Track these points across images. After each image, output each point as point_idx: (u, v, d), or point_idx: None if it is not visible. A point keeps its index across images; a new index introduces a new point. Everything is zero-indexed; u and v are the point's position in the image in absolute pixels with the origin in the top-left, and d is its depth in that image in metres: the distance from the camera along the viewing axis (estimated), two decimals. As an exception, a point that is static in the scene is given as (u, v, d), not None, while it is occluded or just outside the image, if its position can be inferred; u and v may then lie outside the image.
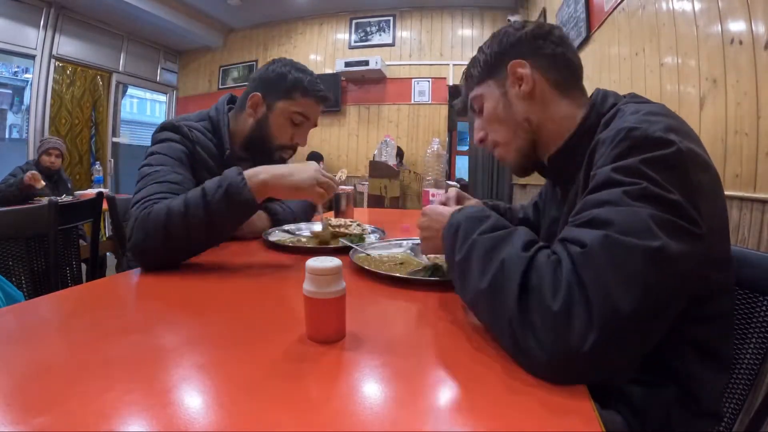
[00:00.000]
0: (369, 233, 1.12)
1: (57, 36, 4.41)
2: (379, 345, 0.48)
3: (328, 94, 1.07)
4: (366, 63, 4.80)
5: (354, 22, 5.25)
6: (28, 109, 4.30)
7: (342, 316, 0.48)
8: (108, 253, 2.55)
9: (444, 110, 4.94)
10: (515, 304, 0.42)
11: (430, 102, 5.04)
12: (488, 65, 0.71)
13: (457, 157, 5.24)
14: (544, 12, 3.81)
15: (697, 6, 1.59)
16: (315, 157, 4.66)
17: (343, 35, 5.30)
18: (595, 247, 0.42)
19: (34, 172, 2.57)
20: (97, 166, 3.24)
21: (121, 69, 5.21)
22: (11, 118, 4.41)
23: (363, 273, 0.76)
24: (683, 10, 1.69)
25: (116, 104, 5.22)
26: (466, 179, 5.13)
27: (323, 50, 5.38)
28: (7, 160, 3.31)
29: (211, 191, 0.75)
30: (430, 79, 5.02)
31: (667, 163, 0.46)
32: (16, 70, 4.38)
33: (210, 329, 0.52)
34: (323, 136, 5.31)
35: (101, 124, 4.98)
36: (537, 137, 0.70)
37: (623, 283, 0.39)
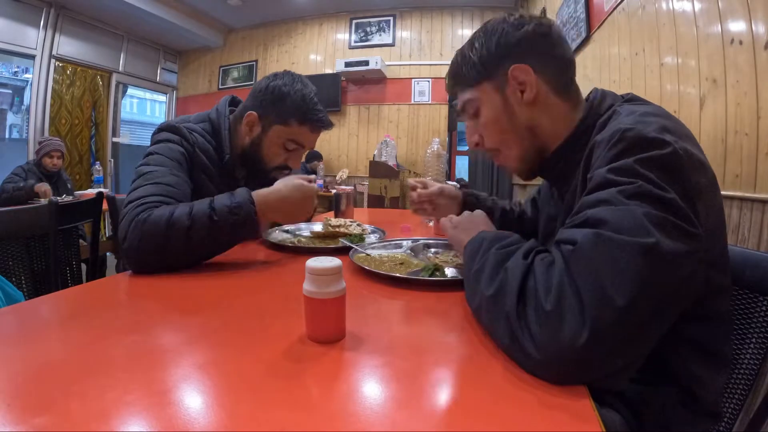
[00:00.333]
0: (369, 233, 1.12)
1: (57, 36, 4.41)
2: (379, 345, 0.48)
3: (327, 120, 1.02)
4: (366, 63, 4.79)
5: (354, 22, 5.25)
6: (28, 109, 4.30)
7: (342, 316, 0.48)
8: (108, 253, 2.55)
9: (444, 110, 4.94)
10: (513, 307, 0.43)
11: (430, 102, 5.04)
12: (484, 66, 0.66)
13: (457, 157, 5.23)
14: (544, 11, 3.81)
15: (697, 6, 1.59)
16: (314, 156, 4.66)
17: (343, 35, 5.30)
18: (586, 244, 0.42)
19: (47, 187, 2.64)
20: (97, 166, 3.24)
21: (121, 69, 5.21)
22: (11, 118, 4.40)
23: (363, 273, 0.76)
24: (683, 10, 1.69)
25: (116, 104, 5.22)
26: (466, 179, 5.13)
27: (323, 50, 5.38)
28: (7, 160, 3.31)
29: (222, 213, 0.76)
30: (430, 79, 5.02)
31: (662, 162, 0.46)
32: (16, 70, 4.38)
33: (210, 329, 0.52)
34: (323, 136, 5.23)
35: (101, 124, 4.98)
36: (539, 142, 0.68)
37: (616, 279, 0.39)
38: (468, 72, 0.68)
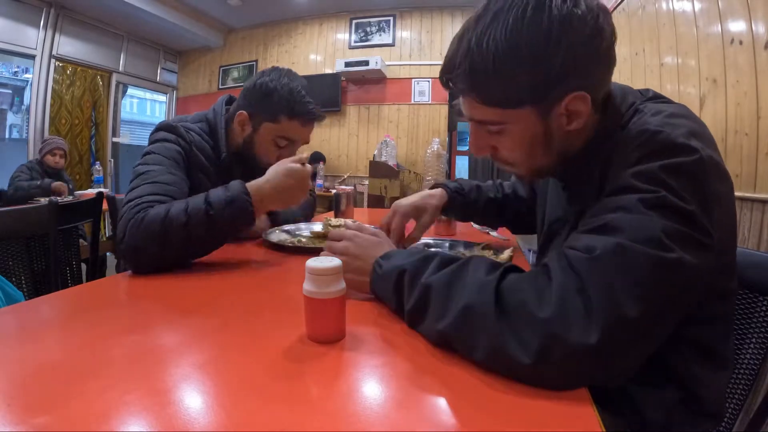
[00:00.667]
0: None
1: (57, 36, 4.40)
2: (379, 345, 0.48)
3: (318, 112, 1.00)
4: (366, 63, 4.79)
5: (354, 22, 5.24)
6: (28, 109, 4.30)
7: (342, 316, 0.48)
8: (108, 253, 2.55)
9: (444, 110, 4.94)
10: (494, 325, 0.40)
11: (430, 102, 5.04)
12: (534, 89, 0.49)
13: (457, 157, 5.23)
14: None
15: (697, 6, 1.59)
16: (317, 157, 4.66)
17: (343, 35, 5.30)
18: (606, 253, 0.41)
19: (64, 187, 2.78)
20: (97, 166, 3.24)
21: (121, 69, 5.21)
22: (11, 118, 4.40)
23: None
24: (683, 10, 1.69)
25: (116, 104, 5.21)
26: (467, 179, 5.13)
27: (323, 50, 5.38)
28: (7, 160, 3.31)
29: (218, 206, 0.75)
30: (430, 79, 5.01)
31: (688, 171, 0.44)
32: (16, 70, 4.38)
33: (210, 329, 0.52)
34: (323, 136, 5.31)
35: (101, 124, 4.98)
36: (564, 158, 0.58)
37: (631, 290, 0.39)
38: (505, 89, 0.50)
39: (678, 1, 1.73)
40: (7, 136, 4.34)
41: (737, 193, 1.33)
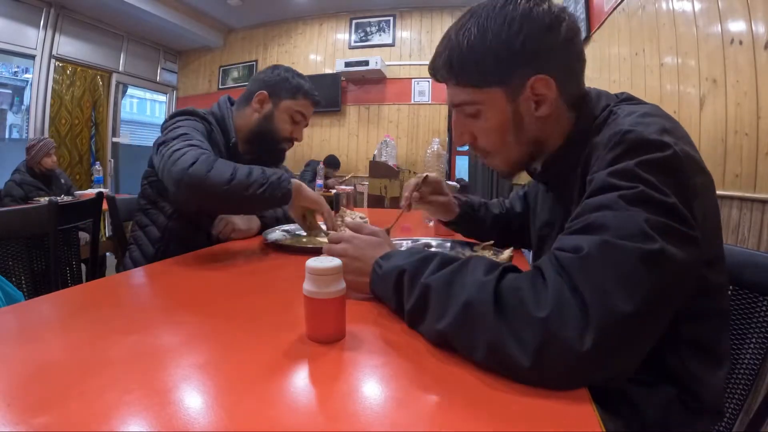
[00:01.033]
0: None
1: (57, 36, 4.41)
2: (379, 345, 0.48)
3: (321, 99, 1.22)
4: (366, 63, 4.80)
5: (354, 22, 5.25)
6: (28, 109, 4.30)
7: (342, 316, 0.48)
8: (108, 253, 2.55)
9: (444, 110, 4.94)
10: (493, 324, 0.40)
11: (430, 102, 5.05)
12: (500, 70, 0.56)
13: (457, 157, 5.24)
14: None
15: (697, 6, 1.59)
16: (332, 161, 4.61)
17: (343, 35, 5.30)
18: (592, 251, 0.41)
19: None
20: (97, 166, 3.23)
21: (121, 69, 5.21)
22: (11, 118, 4.40)
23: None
24: (683, 10, 1.69)
25: (116, 104, 5.22)
26: (467, 179, 5.13)
27: (323, 50, 5.38)
28: (8, 160, 3.30)
29: (270, 172, 0.89)
30: (430, 80, 5.01)
31: (663, 165, 0.46)
32: (16, 70, 4.38)
33: (210, 329, 0.52)
34: (323, 136, 5.31)
35: (101, 124, 4.98)
36: (538, 150, 0.64)
37: (621, 285, 0.39)
38: (476, 70, 0.57)
39: (678, 1, 1.73)
40: (7, 136, 4.34)
41: (737, 193, 1.33)
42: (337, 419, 0.33)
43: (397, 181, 4.43)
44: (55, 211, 1.13)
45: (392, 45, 5.14)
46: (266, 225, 1.19)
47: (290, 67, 1.19)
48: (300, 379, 0.40)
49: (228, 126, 1.13)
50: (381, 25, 5.17)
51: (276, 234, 1.10)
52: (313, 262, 0.46)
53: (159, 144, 0.94)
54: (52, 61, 4.38)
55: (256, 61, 5.65)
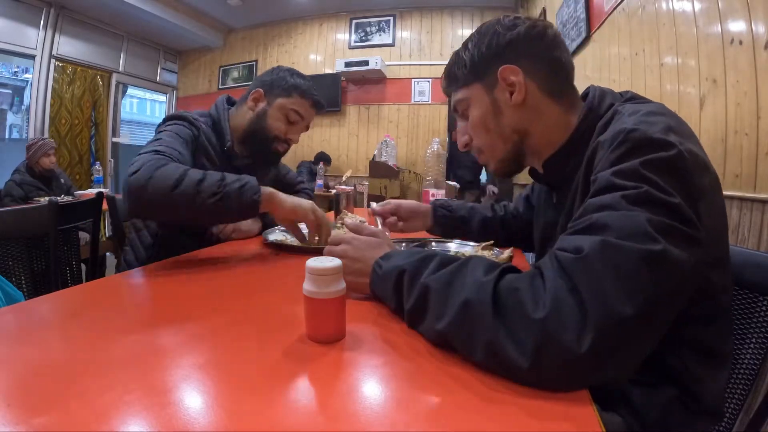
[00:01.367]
0: None
1: (57, 36, 4.40)
2: (379, 345, 0.48)
3: (323, 102, 1.17)
4: (366, 63, 4.79)
5: (354, 22, 5.24)
6: (28, 109, 4.30)
7: (342, 316, 0.48)
8: (108, 253, 2.54)
9: (444, 110, 4.94)
10: (492, 324, 0.40)
11: (430, 102, 5.04)
12: (475, 67, 0.66)
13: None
14: (544, 12, 3.80)
15: (697, 6, 1.59)
16: (322, 157, 4.66)
17: (343, 35, 5.30)
18: (593, 251, 0.41)
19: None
20: (97, 166, 3.23)
21: (121, 69, 5.21)
22: (11, 118, 4.40)
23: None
24: (683, 10, 1.69)
25: (116, 104, 5.22)
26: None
27: (323, 50, 5.38)
28: (8, 160, 3.30)
29: (231, 179, 0.81)
30: (430, 80, 5.01)
31: (667, 165, 0.45)
32: (16, 70, 4.38)
33: (210, 329, 0.52)
34: (323, 136, 5.31)
35: (101, 124, 4.98)
36: (525, 145, 0.68)
37: (622, 286, 0.39)
38: (460, 72, 0.69)
39: (678, 1, 1.73)
40: (7, 136, 4.34)
41: (737, 193, 1.33)
42: (337, 419, 0.33)
43: (397, 181, 4.43)
44: (55, 211, 1.13)
45: (392, 45, 5.13)
46: (267, 225, 1.18)
47: (293, 68, 1.16)
48: (300, 379, 0.40)
49: (223, 129, 1.10)
50: (381, 25, 5.17)
51: (276, 234, 1.10)
52: (313, 262, 0.46)
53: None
54: (52, 61, 4.37)
55: (256, 61, 5.65)
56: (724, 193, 1.38)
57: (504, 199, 1.15)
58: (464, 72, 0.68)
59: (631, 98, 0.62)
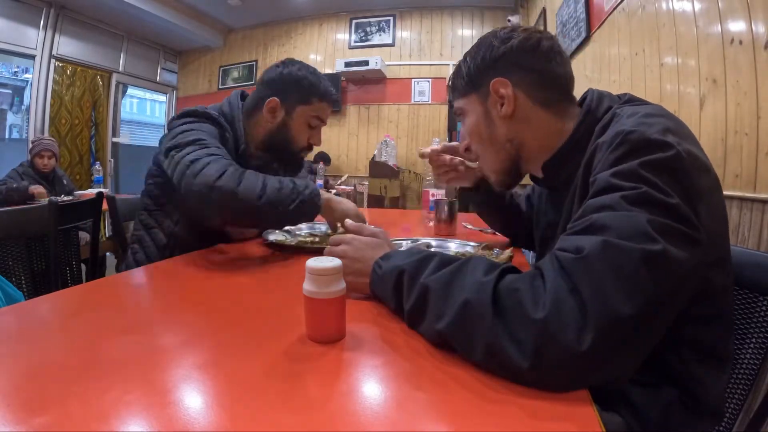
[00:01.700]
0: None
1: (57, 36, 4.41)
2: (379, 345, 0.48)
3: (338, 95, 1.14)
4: (366, 63, 4.79)
5: (354, 22, 5.25)
6: (28, 109, 4.30)
7: (342, 316, 0.48)
8: (108, 253, 2.54)
9: (444, 110, 4.94)
10: (492, 325, 0.40)
11: (430, 102, 5.04)
12: (471, 79, 0.69)
13: (457, 157, 5.27)
14: (544, 12, 3.80)
15: (697, 6, 1.59)
16: (322, 157, 4.66)
17: (343, 35, 5.30)
18: (593, 252, 0.41)
19: (41, 189, 2.55)
20: (97, 166, 3.23)
21: (121, 69, 5.21)
22: (11, 118, 4.40)
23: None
24: (683, 10, 1.69)
25: (116, 104, 5.22)
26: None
27: (323, 50, 5.38)
28: (8, 160, 3.30)
29: (301, 185, 0.86)
30: (430, 79, 5.02)
31: (665, 166, 0.45)
32: (16, 70, 4.38)
33: (210, 329, 0.52)
34: (323, 135, 5.27)
35: (101, 124, 4.98)
36: (520, 155, 0.69)
37: (622, 286, 0.39)
38: (459, 83, 0.72)
39: (678, 1, 1.73)
40: (7, 136, 4.34)
41: (737, 193, 1.33)
42: (337, 419, 0.33)
43: (397, 181, 4.43)
44: (55, 211, 1.13)
45: (392, 45, 5.14)
46: None
47: (301, 62, 1.07)
48: (300, 379, 0.40)
49: (238, 131, 1.03)
50: (381, 25, 5.17)
51: (276, 234, 1.10)
52: (313, 262, 0.46)
53: (170, 147, 0.88)
54: (52, 61, 4.37)
55: (256, 61, 5.65)
56: (725, 192, 1.38)
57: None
58: (462, 83, 0.71)
59: (629, 100, 0.62)
